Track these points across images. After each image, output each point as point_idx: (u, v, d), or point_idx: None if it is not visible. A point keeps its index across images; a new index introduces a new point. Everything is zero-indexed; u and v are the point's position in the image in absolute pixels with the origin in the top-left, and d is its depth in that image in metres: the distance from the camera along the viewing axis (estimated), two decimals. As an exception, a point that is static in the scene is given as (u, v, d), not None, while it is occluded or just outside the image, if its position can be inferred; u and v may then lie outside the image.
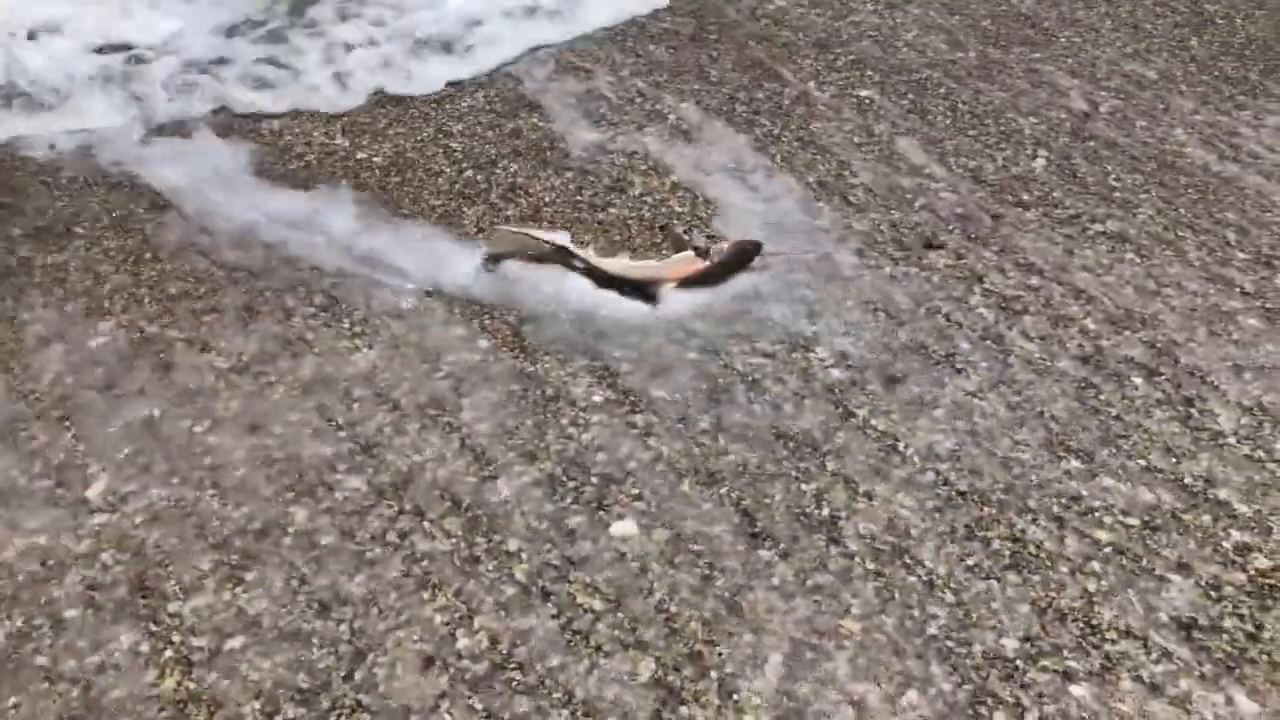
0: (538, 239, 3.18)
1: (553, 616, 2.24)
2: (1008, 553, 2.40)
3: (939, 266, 3.25)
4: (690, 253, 3.14)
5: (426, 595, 2.28)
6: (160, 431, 2.66)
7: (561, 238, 3.20)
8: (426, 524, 2.43)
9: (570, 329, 3.00)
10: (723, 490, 2.53)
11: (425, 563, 2.35)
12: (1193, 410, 2.78)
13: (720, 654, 2.17)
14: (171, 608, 2.26)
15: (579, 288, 3.12)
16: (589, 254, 3.16)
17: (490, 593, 2.28)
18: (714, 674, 2.13)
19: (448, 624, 2.22)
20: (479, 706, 2.07)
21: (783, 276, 3.18)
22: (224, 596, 2.29)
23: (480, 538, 2.40)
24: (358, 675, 2.13)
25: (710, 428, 2.70)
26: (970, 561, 2.38)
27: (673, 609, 2.26)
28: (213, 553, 2.38)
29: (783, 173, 3.70)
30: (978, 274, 3.23)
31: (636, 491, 2.52)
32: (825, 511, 2.49)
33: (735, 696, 2.09)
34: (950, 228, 3.43)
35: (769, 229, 3.38)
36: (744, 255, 3.16)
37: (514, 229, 3.29)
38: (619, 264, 3.14)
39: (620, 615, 2.24)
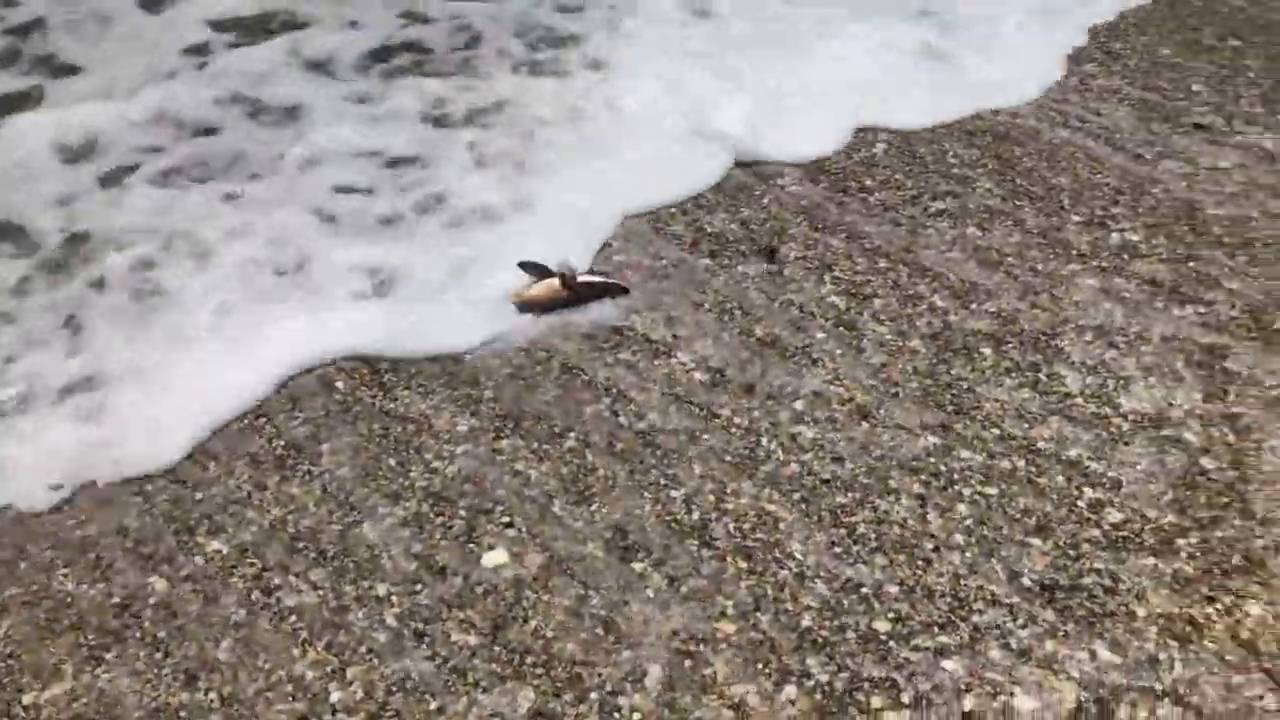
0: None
1: (427, 658, 2.20)
2: (874, 536, 2.45)
3: (790, 259, 3.30)
4: (555, 281, 3.11)
5: (297, 651, 2.23)
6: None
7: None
8: (292, 578, 2.38)
9: (428, 360, 2.96)
10: (593, 507, 2.52)
11: (293, 618, 2.29)
12: (1040, 375, 2.88)
13: (600, 674, 2.16)
14: (26, 699, 2.17)
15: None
16: None
17: (362, 642, 2.24)
18: (594, 695, 2.13)
19: (320, 679, 2.17)
20: (358, 760, 2.03)
21: (640, 285, 3.19)
22: (83, 680, 2.20)
23: (348, 586, 2.36)
24: (229, 745, 2.07)
25: (577, 445, 2.69)
26: (838, 549, 2.42)
27: (549, 634, 2.25)
28: (69, 634, 2.28)
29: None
30: (827, 264, 3.28)
31: (506, 519, 2.50)
32: (695, 516, 2.50)
33: (616, 715, 2.09)
34: (798, 220, 3.48)
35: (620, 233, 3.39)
36: (606, 292, 3.16)
37: None
38: None
39: (497, 648, 2.22)
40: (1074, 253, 3.32)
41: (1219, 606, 2.29)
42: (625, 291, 3.15)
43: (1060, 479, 2.59)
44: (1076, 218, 3.48)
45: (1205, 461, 2.63)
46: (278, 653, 2.23)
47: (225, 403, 2.77)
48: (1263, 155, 3.75)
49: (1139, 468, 2.61)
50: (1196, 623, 2.25)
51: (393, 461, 2.65)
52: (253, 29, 4.48)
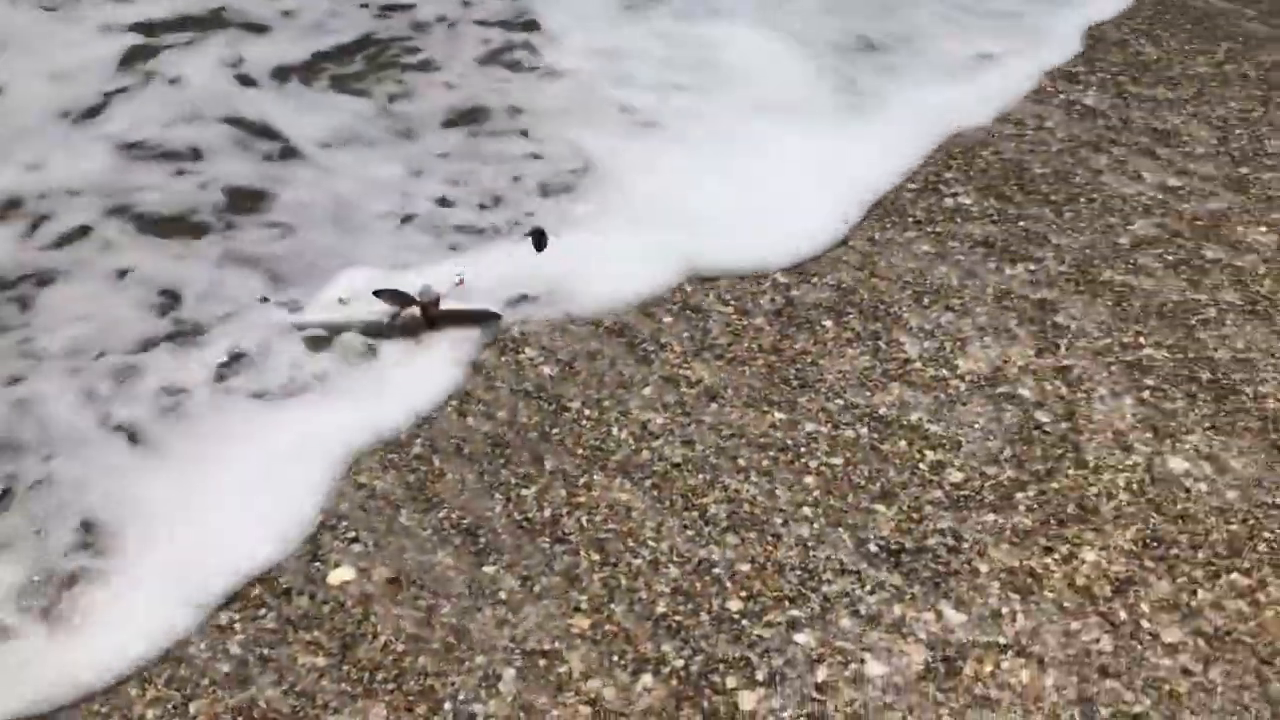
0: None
1: (274, 684, 2.13)
2: (724, 515, 2.46)
3: (634, 245, 3.29)
4: (415, 310, 2.93)
5: (135, 692, 2.13)
6: None
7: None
8: (127, 615, 2.27)
9: (266, 375, 2.86)
10: (442, 514, 2.47)
11: (130, 658, 2.19)
12: (880, 343, 2.93)
13: (452, 684, 2.12)
14: None
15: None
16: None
17: (204, 674, 2.15)
18: (447, 705, 2.08)
19: (161, 717, 2.08)
20: (202, 799, 1.95)
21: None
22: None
23: (187, 617, 2.26)
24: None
25: (424, 451, 2.63)
26: (690, 532, 2.42)
27: (400, 648, 2.19)
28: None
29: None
30: (670, 246, 3.28)
31: (352, 534, 2.43)
32: (547, 513, 2.47)
33: (472, 723, 2.06)
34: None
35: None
36: (473, 320, 2.96)
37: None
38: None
39: (346, 668, 2.16)
40: (910, 220, 3.39)
41: (1056, 556, 2.36)
42: (497, 318, 2.96)
43: (903, 444, 2.64)
44: (912, 185, 3.56)
45: (1040, 415, 2.71)
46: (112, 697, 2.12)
47: None
48: (1084, 112, 3.89)
49: (977, 426, 2.68)
50: (1036, 574, 2.32)
51: (231, 483, 2.55)
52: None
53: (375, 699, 2.10)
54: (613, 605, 2.27)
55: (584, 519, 2.45)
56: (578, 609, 2.27)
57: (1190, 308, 3.04)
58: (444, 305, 2.95)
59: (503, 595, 2.29)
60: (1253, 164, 3.67)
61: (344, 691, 2.11)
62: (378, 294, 2.95)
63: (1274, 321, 2.98)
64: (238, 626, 2.21)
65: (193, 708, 2.07)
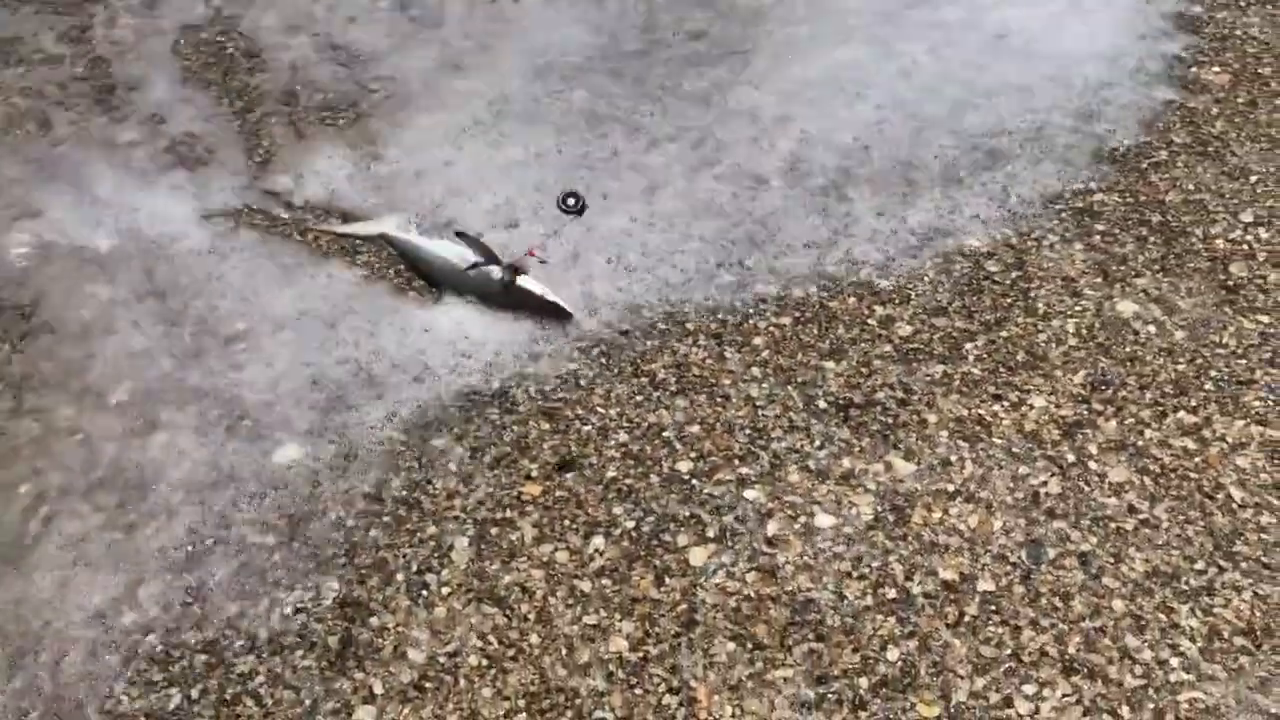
0: (355, 234, 2.84)
1: (233, 556, 2.12)
2: (673, 380, 2.44)
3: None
4: (496, 271, 2.61)
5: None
6: None
7: (386, 224, 2.83)
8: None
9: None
10: (382, 397, 2.44)
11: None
12: (830, 201, 2.87)
13: (404, 555, 2.12)
14: None
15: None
16: (413, 237, 2.78)
17: (156, 557, 2.14)
18: (400, 576, 2.09)
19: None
20: (158, 678, 1.95)
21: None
22: None
23: (131, 512, 2.24)
24: None
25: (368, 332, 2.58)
26: (639, 397, 2.41)
27: (350, 523, 2.18)
28: None
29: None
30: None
31: (296, 411, 2.40)
32: (495, 384, 2.45)
33: (425, 592, 2.06)
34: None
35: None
36: (546, 311, 2.59)
37: (328, 228, 2.86)
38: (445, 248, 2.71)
39: (296, 544, 2.15)
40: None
41: (1006, 403, 2.36)
42: (569, 317, 2.58)
43: (852, 300, 2.61)
44: (861, 39, 3.45)
45: (990, 265, 2.69)
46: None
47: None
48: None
49: (927, 279, 2.65)
50: (985, 421, 2.33)
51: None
52: None
53: (329, 573, 2.10)
54: (563, 473, 2.26)
55: (533, 388, 2.43)
56: (529, 477, 2.26)
57: (1141, 151, 2.99)
58: (526, 281, 2.59)
59: (453, 466, 2.28)
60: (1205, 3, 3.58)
61: (295, 568, 2.11)
62: (460, 235, 2.71)
63: (1225, 161, 2.94)
64: (184, 510, 2.19)
65: (143, 591, 2.06)
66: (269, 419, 2.36)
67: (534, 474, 2.26)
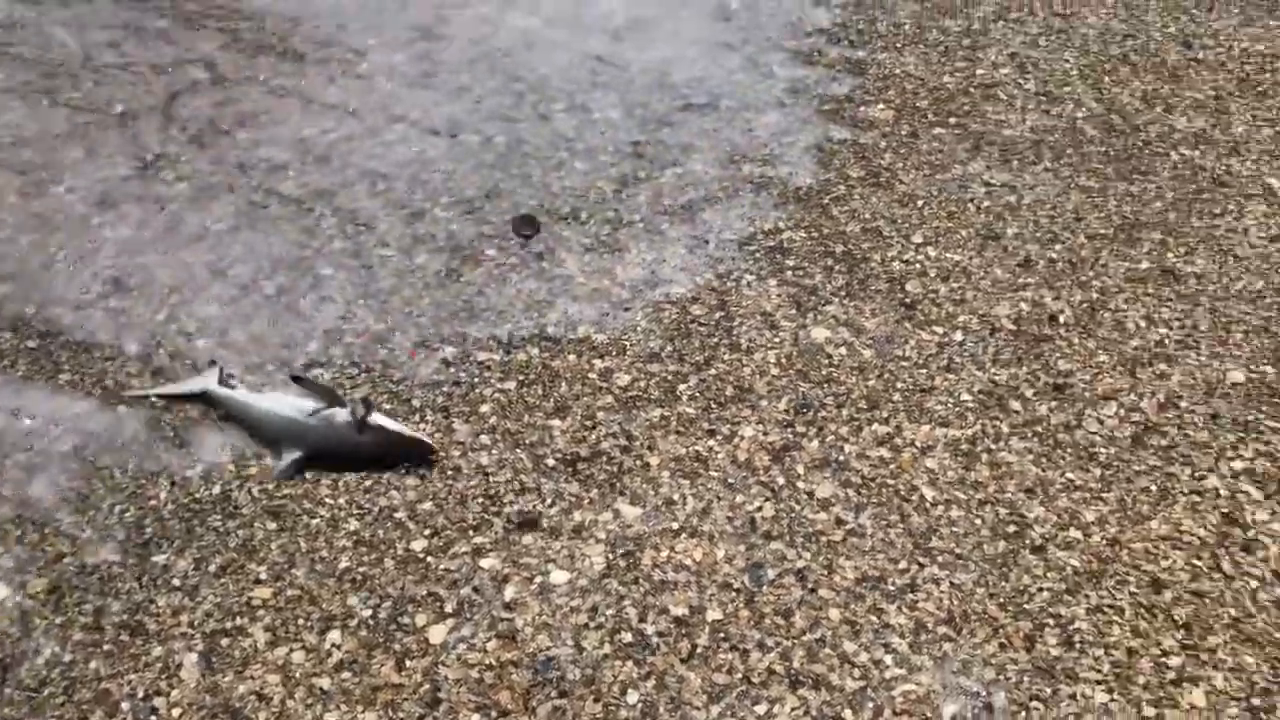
0: (171, 394, 2.59)
1: (-75, 727, 1.96)
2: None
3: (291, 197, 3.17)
4: (345, 412, 2.43)
5: None
6: None
7: (206, 379, 2.59)
8: None
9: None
10: (104, 508, 2.33)
11: None
12: (544, 264, 2.97)
13: (129, 682, 2.03)
14: None
15: None
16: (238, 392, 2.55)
17: None
18: (125, 705, 1.99)
19: None
20: None
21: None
22: None
23: None
24: None
25: (71, 450, 2.47)
26: (369, 482, 2.40)
27: (69, 658, 2.07)
28: None
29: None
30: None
31: (1, 549, 2.26)
32: (216, 489, 2.38)
33: (154, 717, 1.97)
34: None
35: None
36: (407, 449, 2.41)
37: (141, 391, 2.61)
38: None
39: (9, 690, 2.02)
40: (562, 139, 3.43)
41: (720, 436, 2.50)
42: (432, 452, 2.41)
43: (572, 357, 2.70)
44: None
45: (695, 309, 2.84)
46: None
47: None
48: None
49: (639, 329, 2.78)
50: (701, 457, 2.45)
51: None
52: None
53: (42, 716, 1.98)
54: (294, 570, 2.23)
55: (255, 489, 2.38)
56: (258, 581, 2.21)
57: (822, 188, 3.25)
58: (379, 419, 2.39)
59: (176, 581, 2.20)
60: (867, 48, 3.94)
61: (7, 716, 1.98)
62: (296, 380, 2.52)
63: (895, 190, 3.23)
64: (-127, 675, 2.02)
65: None
66: (-33, 562, 2.21)
67: (263, 577, 2.21)
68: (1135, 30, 4.02)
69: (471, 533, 2.29)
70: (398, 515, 2.33)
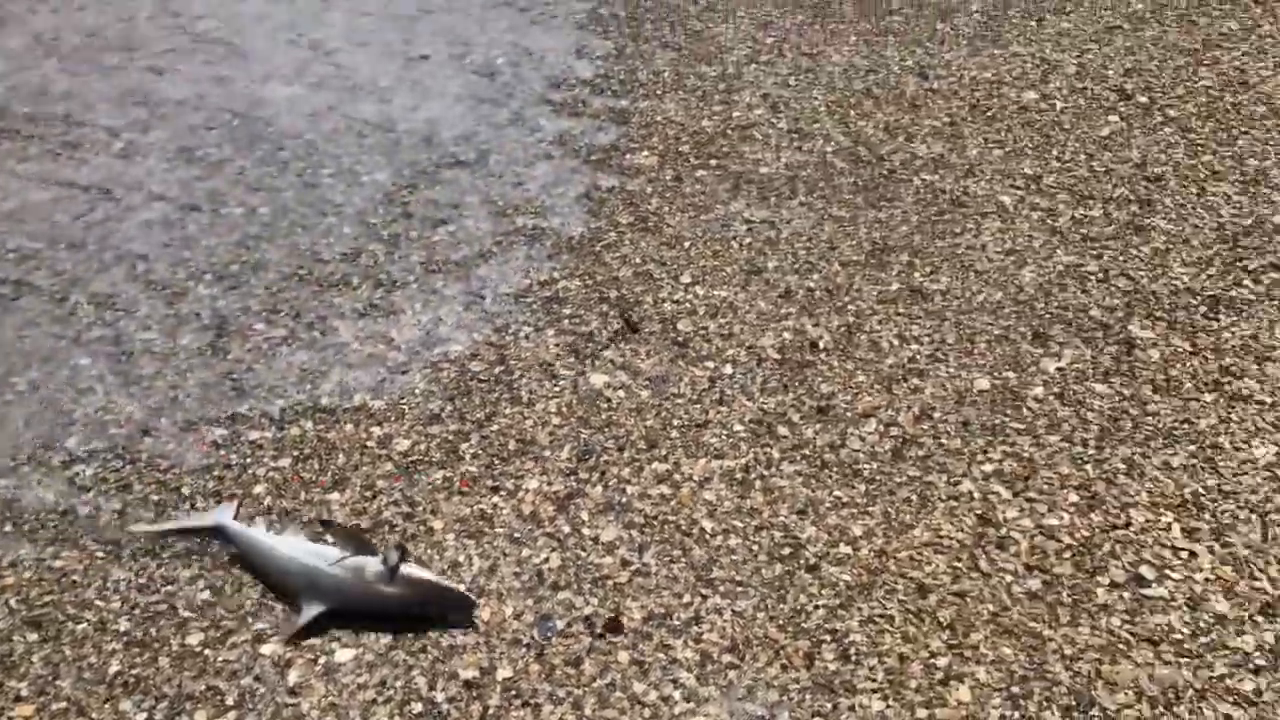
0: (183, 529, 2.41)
1: None
2: (180, 548, 2.35)
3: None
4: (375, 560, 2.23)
5: None
6: None
7: (221, 513, 2.42)
8: None
9: None
10: None
11: None
12: (316, 334, 2.92)
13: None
14: None
15: None
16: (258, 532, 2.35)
17: None
18: None
19: None
20: None
21: None
22: None
23: None
24: None
25: None
26: (144, 578, 2.30)
27: None
28: None
29: None
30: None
31: None
32: None
33: None
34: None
35: None
36: (445, 602, 2.21)
37: (148, 528, 2.42)
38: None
39: None
40: (329, 204, 3.40)
41: (504, 492, 2.51)
42: (472, 606, 2.22)
43: (349, 427, 2.67)
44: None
45: (474, 366, 2.85)
46: None
47: None
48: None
49: (418, 392, 2.77)
50: (486, 515, 2.45)
51: None
52: None
53: None
54: (59, 682, 2.11)
55: (13, 599, 2.25)
56: (18, 698, 2.08)
57: (594, 236, 3.32)
58: (411, 569, 2.21)
59: (-69, 712, 2.05)
60: (629, 97, 4.05)
61: None
62: (325, 525, 2.33)
63: (663, 233, 3.33)
64: None
65: None
66: None
67: (24, 693, 2.08)
68: (876, 65, 4.29)
69: (251, 619, 2.22)
70: (176, 603, 2.24)
